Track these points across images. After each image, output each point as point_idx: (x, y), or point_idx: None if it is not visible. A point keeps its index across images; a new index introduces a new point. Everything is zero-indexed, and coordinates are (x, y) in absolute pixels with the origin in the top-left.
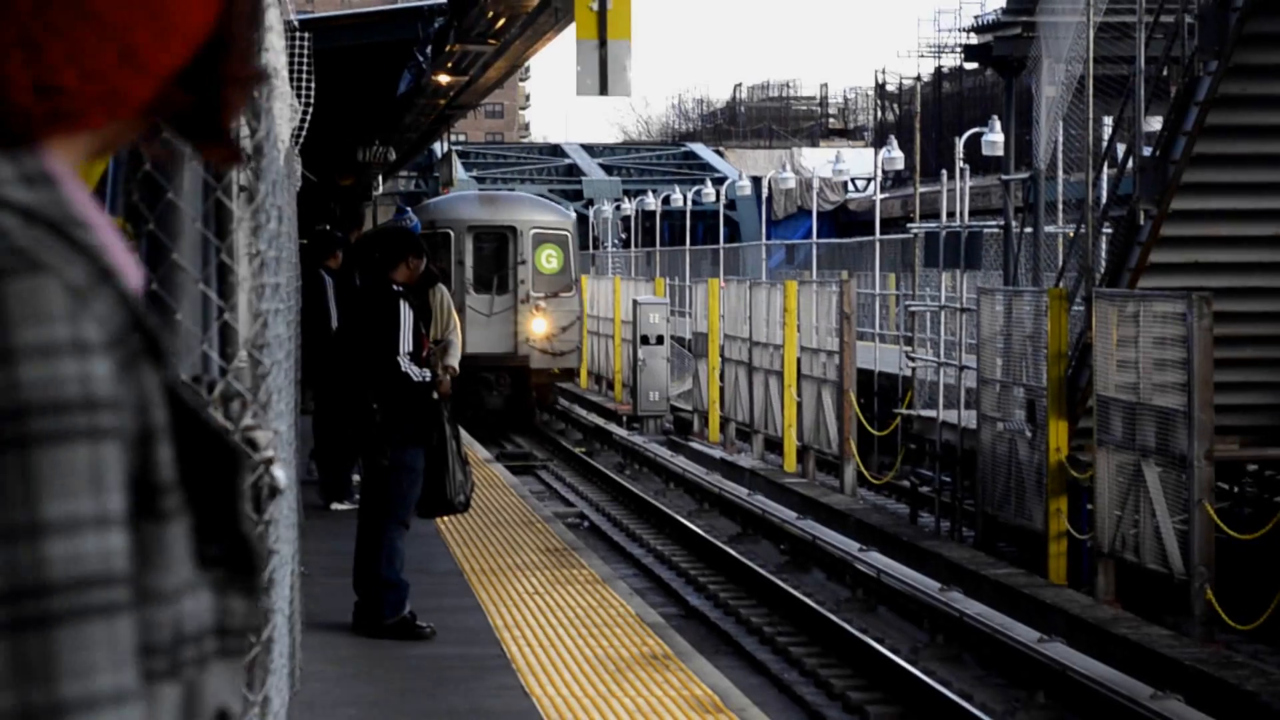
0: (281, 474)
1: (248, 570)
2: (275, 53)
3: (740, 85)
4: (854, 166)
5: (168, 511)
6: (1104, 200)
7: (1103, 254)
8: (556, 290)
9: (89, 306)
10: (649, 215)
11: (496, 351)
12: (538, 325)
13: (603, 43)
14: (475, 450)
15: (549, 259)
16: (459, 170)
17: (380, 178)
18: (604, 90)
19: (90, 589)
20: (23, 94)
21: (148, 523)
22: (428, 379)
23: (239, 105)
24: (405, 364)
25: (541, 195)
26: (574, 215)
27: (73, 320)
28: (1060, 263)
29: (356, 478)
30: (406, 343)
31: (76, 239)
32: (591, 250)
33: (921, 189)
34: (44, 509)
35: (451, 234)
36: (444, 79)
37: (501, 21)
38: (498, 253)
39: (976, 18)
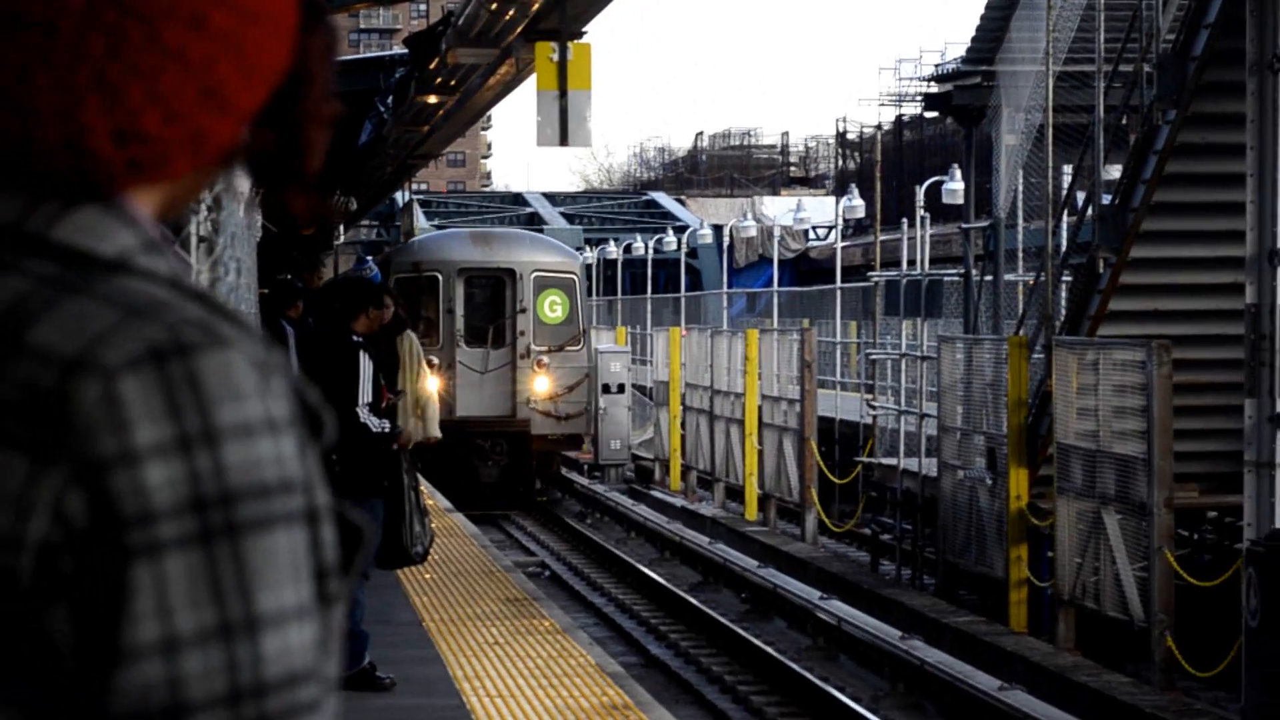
0: None
1: None
2: None
3: (702, 134)
4: (815, 214)
5: (334, 596)
6: (1063, 248)
7: (1062, 302)
8: (562, 343)
9: (272, 382)
10: (610, 264)
11: (492, 415)
12: (540, 384)
13: (563, 93)
14: (436, 499)
15: (553, 307)
16: (420, 219)
17: (342, 227)
18: (564, 141)
19: (298, 686)
20: (102, 142)
21: (322, 608)
22: (386, 429)
23: (321, 145)
24: (364, 415)
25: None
26: (581, 257)
27: (263, 397)
28: (1020, 310)
29: None
30: (366, 394)
31: (227, 311)
32: None
33: (882, 237)
34: (258, 603)
35: (440, 277)
36: (407, 127)
37: (462, 72)
38: (493, 299)
39: (937, 66)
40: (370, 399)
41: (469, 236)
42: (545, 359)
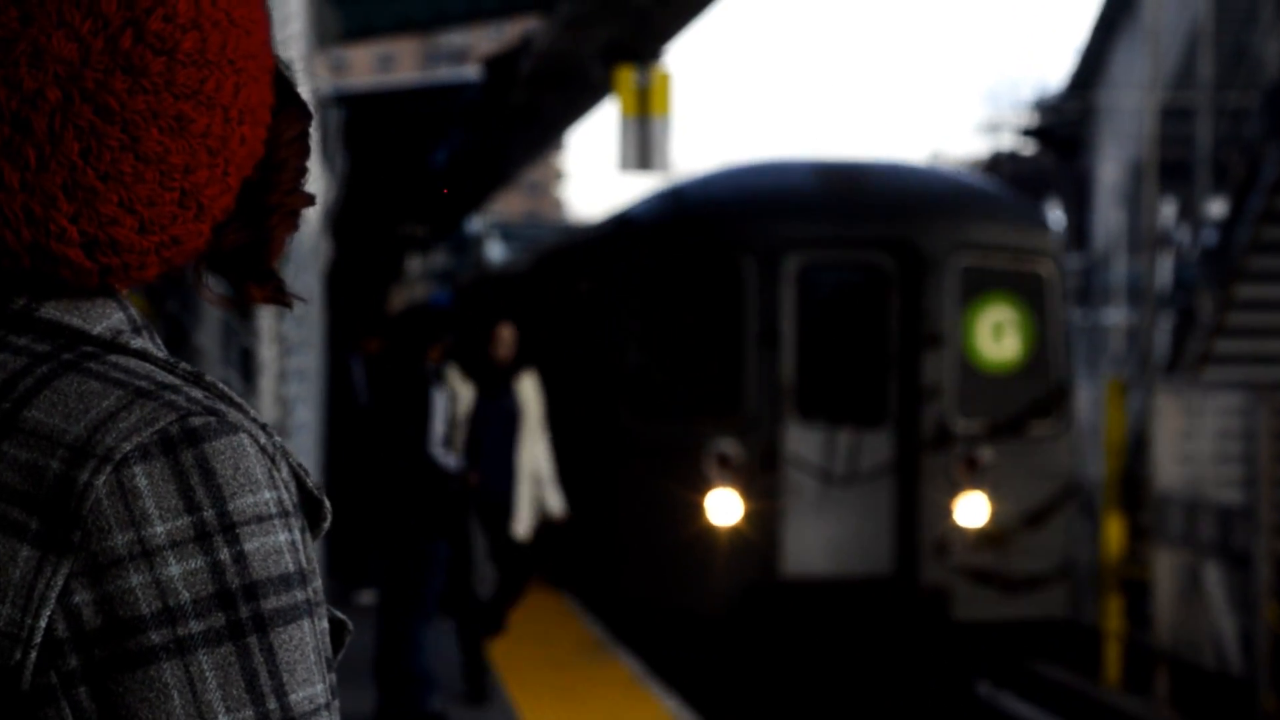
0: None
1: None
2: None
3: None
4: None
5: (334, 689)
6: (1165, 287)
7: (1164, 344)
8: (1019, 416)
9: (279, 467)
10: None
11: (858, 572)
12: (972, 509)
13: (644, 119)
14: None
15: (1000, 334)
16: (494, 251)
17: (417, 254)
18: (645, 166)
19: None
20: (73, 250)
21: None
22: (456, 467)
23: (287, 238)
24: (438, 452)
25: None
26: (1055, 231)
27: (273, 485)
28: (1119, 352)
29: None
30: (439, 428)
31: (226, 394)
32: None
33: None
34: (291, 699)
35: (744, 265)
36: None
37: (539, 96)
38: (861, 318)
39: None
40: (445, 432)
41: (811, 173)
42: (984, 452)
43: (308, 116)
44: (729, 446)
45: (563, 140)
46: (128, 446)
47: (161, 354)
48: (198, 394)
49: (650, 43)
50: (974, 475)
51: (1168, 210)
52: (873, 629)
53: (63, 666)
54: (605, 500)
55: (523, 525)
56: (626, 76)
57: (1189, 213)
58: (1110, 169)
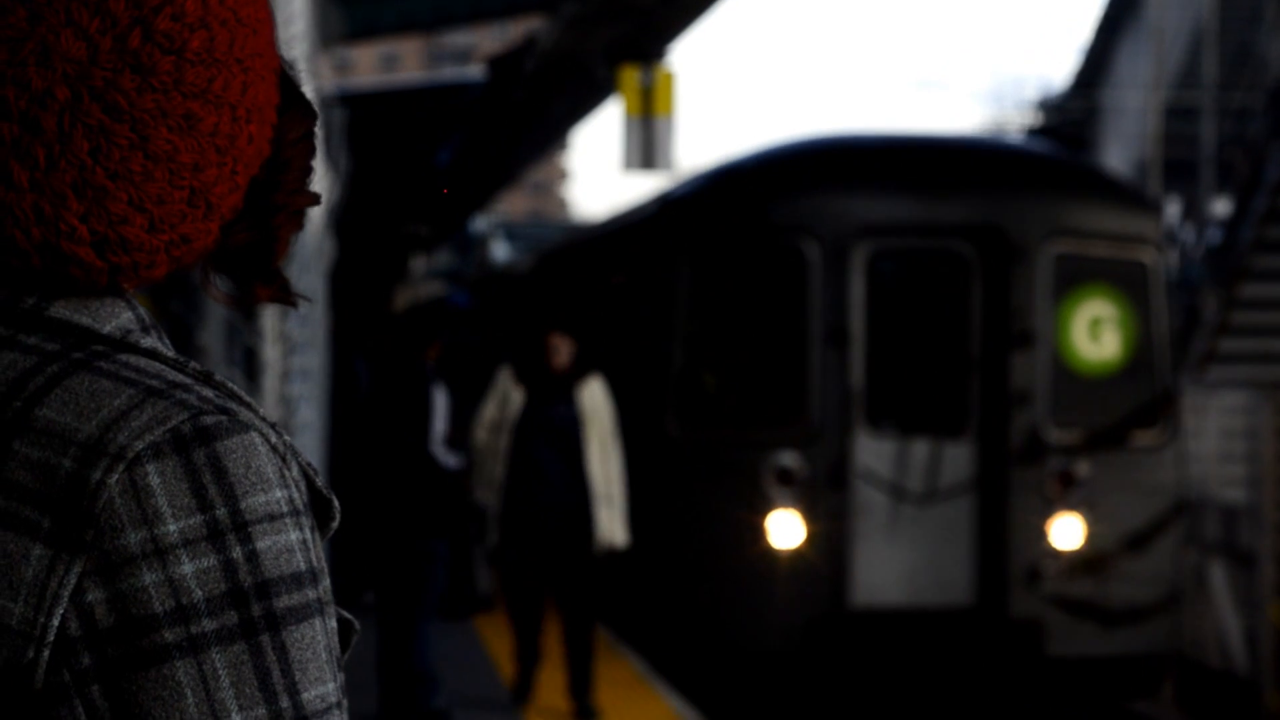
0: None
1: None
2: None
3: None
4: None
5: (344, 689)
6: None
7: None
8: (1121, 423)
9: (289, 466)
10: None
11: (936, 603)
12: (1067, 530)
13: (647, 118)
14: None
15: (1098, 332)
16: (498, 250)
17: (420, 254)
18: (649, 165)
19: None
20: (83, 248)
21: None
22: (459, 465)
23: (292, 237)
24: (438, 450)
25: None
26: (1162, 214)
27: (284, 484)
28: None
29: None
30: (440, 427)
31: (237, 393)
32: None
33: None
34: (306, 697)
35: (807, 250)
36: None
37: (543, 96)
38: (940, 310)
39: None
40: (447, 430)
41: (884, 149)
42: (1080, 466)
43: (313, 116)
44: (791, 460)
45: (567, 140)
46: (140, 445)
47: (171, 353)
48: (209, 393)
49: (654, 42)
50: (1069, 492)
51: (1172, 209)
52: (953, 667)
53: (76, 665)
54: (648, 521)
55: (617, 536)
56: (630, 76)
57: (1193, 212)
58: (1115, 168)
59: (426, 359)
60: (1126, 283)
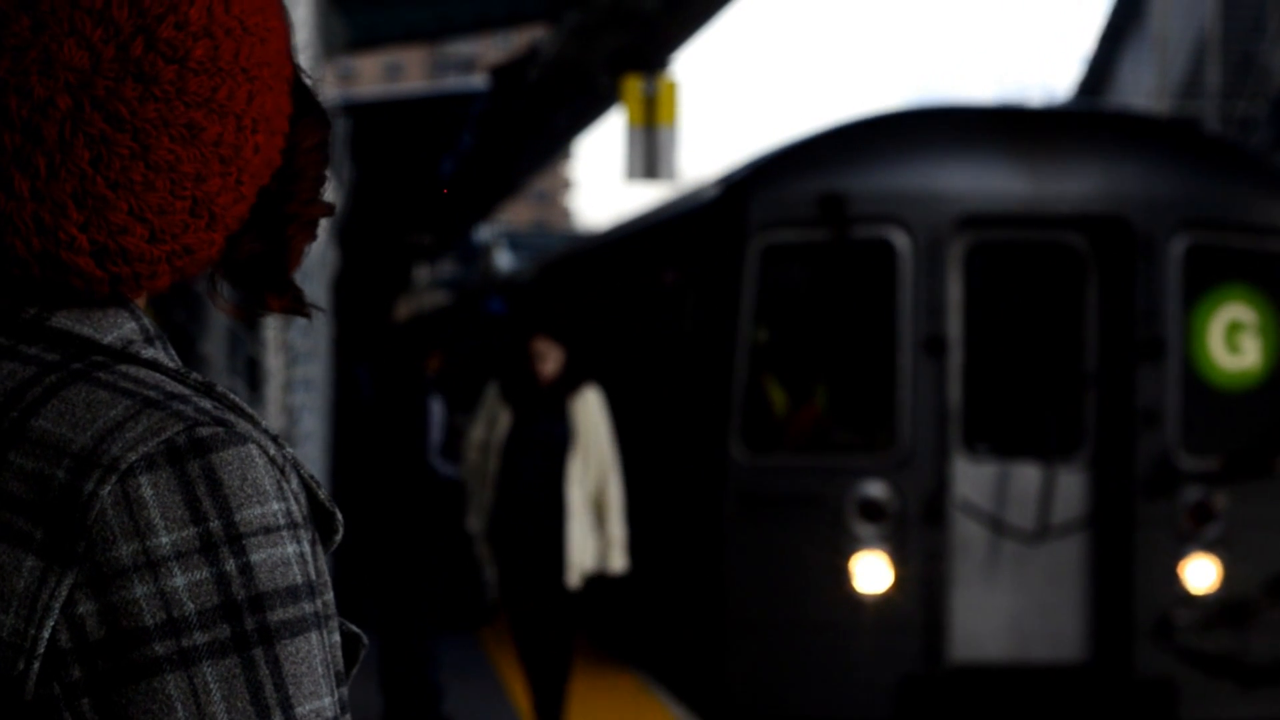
0: None
1: None
2: None
3: None
4: None
5: (345, 703)
6: None
7: None
8: (1266, 447)
9: (288, 479)
10: None
11: (1046, 659)
12: (1201, 573)
13: (650, 128)
14: None
15: (1236, 337)
16: (502, 260)
17: (423, 263)
18: (651, 175)
19: None
20: (83, 258)
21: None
22: (456, 476)
23: (305, 248)
24: (437, 462)
25: None
26: None
27: (282, 496)
28: None
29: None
30: (436, 437)
31: (237, 404)
32: None
33: None
34: (297, 711)
35: (898, 242)
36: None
37: (547, 105)
38: (1049, 314)
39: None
40: (442, 441)
41: (984, 124)
42: (1219, 498)
43: (327, 126)
44: (878, 490)
45: (570, 149)
46: (133, 456)
47: (173, 364)
48: (207, 404)
49: (657, 51)
50: (1204, 529)
51: None
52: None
53: (66, 677)
54: (704, 561)
55: (615, 563)
56: (633, 85)
57: None
58: None
59: (426, 369)
60: (1270, 282)
